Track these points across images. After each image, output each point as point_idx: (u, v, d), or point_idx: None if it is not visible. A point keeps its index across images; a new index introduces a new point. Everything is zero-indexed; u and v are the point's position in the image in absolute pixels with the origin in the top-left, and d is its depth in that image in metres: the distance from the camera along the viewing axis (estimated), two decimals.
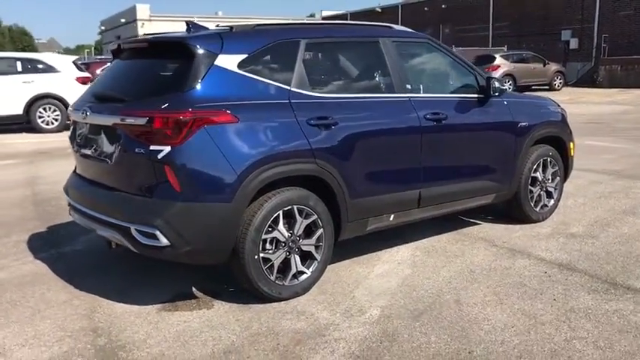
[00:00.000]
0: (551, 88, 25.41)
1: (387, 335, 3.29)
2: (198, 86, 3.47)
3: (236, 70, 3.61)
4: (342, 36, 4.38)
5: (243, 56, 3.65)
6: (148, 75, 3.82)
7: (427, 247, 4.80)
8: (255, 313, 3.60)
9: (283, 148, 3.62)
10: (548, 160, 5.41)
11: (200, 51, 3.54)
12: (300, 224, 3.77)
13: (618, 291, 3.85)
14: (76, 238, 5.15)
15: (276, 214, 3.63)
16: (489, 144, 4.90)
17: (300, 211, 3.75)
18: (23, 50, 37.69)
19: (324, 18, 53.89)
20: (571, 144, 5.64)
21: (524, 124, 5.07)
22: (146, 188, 3.47)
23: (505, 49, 28.93)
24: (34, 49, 46.03)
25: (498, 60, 24.55)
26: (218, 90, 3.52)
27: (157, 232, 3.39)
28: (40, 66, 13.23)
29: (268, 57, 3.83)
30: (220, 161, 3.40)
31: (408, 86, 4.40)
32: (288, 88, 3.77)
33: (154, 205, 3.43)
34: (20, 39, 55.20)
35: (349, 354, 3.10)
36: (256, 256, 3.57)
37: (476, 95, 4.83)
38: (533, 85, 25.18)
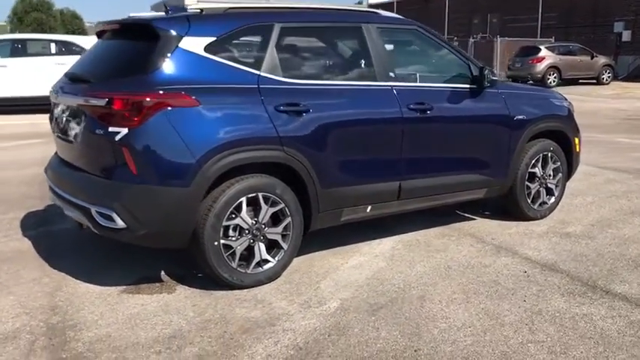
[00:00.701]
0: (599, 82, 24.48)
1: (338, 328, 3.21)
2: (161, 68, 3.44)
3: (202, 53, 3.57)
4: (322, 21, 4.27)
5: (211, 39, 3.60)
6: (116, 56, 3.82)
7: (411, 241, 4.67)
8: (214, 299, 3.57)
9: (247, 134, 3.56)
10: (549, 155, 5.19)
11: (164, 33, 3.51)
12: (266, 212, 3.71)
13: (595, 295, 3.66)
14: (66, 217, 5.22)
15: (238, 201, 3.58)
16: (480, 137, 4.73)
17: (266, 199, 3.70)
18: (73, 33, 38.67)
19: (370, 6, 53.36)
20: (576, 139, 5.39)
21: (521, 117, 4.87)
22: (106, 170, 3.47)
23: (552, 40, 28.01)
24: (84, 32, 47.14)
25: (543, 52, 23.80)
26: (182, 73, 3.49)
27: (114, 214, 3.40)
28: (75, 48, 13.51)
29: (238, 41, 3.77)
30: (178, 145, 3.37)
31: (392, 74, 4.27)
32: (258, 72, 3.71)
33: (112, 186, 3.43)
34: (71, 22, 56.59)
35: (293, 345, 3.04)
36: (216, 243, 3.54)
37: (468, 86, 4.66)
38: (579, 79, 24.33)
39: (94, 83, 3.66)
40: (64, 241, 4.71)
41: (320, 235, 4.36)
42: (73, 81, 3.87)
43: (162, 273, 3.97)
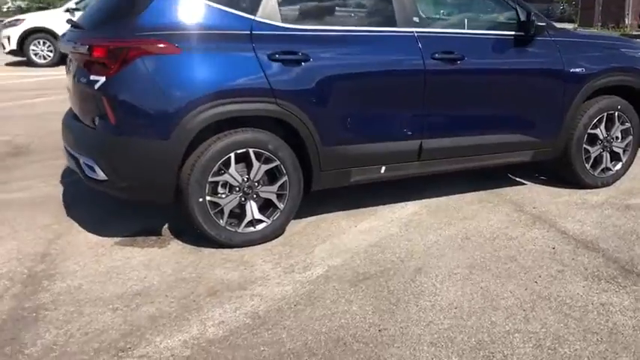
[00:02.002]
0: None
1: (309, 298, 2.97)
2: (144, 13, 3.27)
3: None
4: None
5: None
6: (110, 3, 3.67)
7: (439, 206, 4.26)
8: (199, 257, 3.44)
9: (233, 84, 3.32)
10: (616, 115, 4.49)
11: None
12: (258, 169, 3.49)
13: (627, 281, 3.12)
14: None
15: (226, 157, 3.38)
16: (524, 92, 4.15)
17: (258, 155, 3.47)
18: None
19: None
20: None
21: (578, 69, 4.21)
22: (92, 120, 3.39)
23: None
24: None
25: None
26: (167, 18, 3.29)
27: (95, 166, 3.33)
28: None
29: None
30: (157, 95, 3.21)
31: (416, 19, 3.81)
32: (252, 17, 3.42)
33: (94, 137, 3.36)
34: None
35: (252, 313, 2.84)
36: (201, 199, 3.38)
37: (512, 33, 4.08)
38: None
39: (84, 30, 3.56)
40: (89, 189, 4.77)
41: (339, 195, 4.10)
42: (74, 28, 3.80)
43: (166, 226, 3.89)
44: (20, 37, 13.37)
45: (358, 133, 3.72)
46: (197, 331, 2.68)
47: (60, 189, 4.73)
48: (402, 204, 4.30)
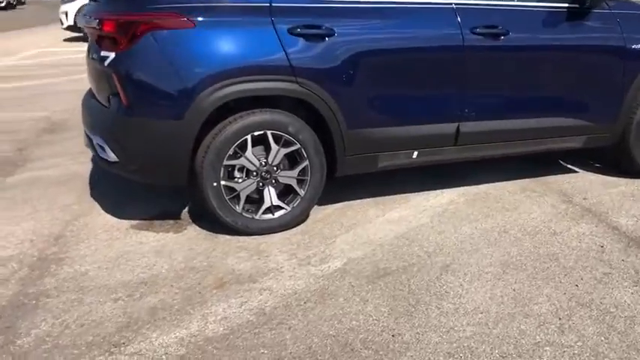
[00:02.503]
0: None
1: (322, 295, 2.74)
2: None
3: None
4: None
5: None
6: None
7: (478, 194, 3.94)
8: (214, 244, 3.26)
9: (249, 61, 3.09)
10: None
11: None
12: (277, 153, 3.26)
13: None
14: None
15: (242, 139, 3.17)
16: (577, 71, 3.75)
17: (277, 138, 3.24)
18: None
19: None
20: None
21: None
22: (106, 98, 3.24)
23: None
24: None
25: None
26: None
27: (105, 146, 3.18)
28: None
29: None
30: (169, 73, 3.01)
31: None
32: None
33: (106, 117, 3.21)
34: None
35: (258, 309, 2.64)
36: (215, 183, 3.19)
37: (565, 5, 3.67)
38: None
39: (99, 3, 3.40)
40: None
41: (370, 180, 3.84)
42: (92, 1, 3.64)
43: (185, 210, 3.73)
44: (77, 12, 13.54)
45: (387, 114, 3.43)
46: (196, 328, 2.50)
47: (88, 168, 4.64)
48: (438, 191, 3.99)
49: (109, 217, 3.67)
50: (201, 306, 2.67)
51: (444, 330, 2.45)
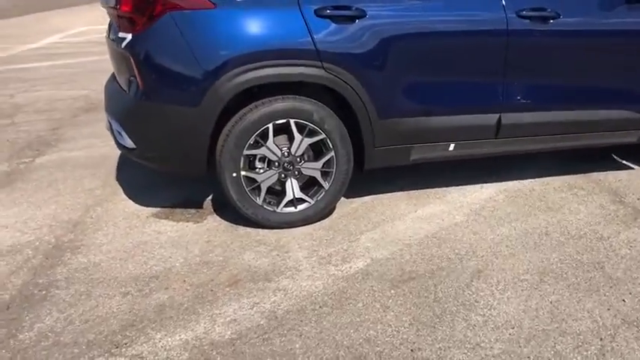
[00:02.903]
0: None
1: (339, 298, 2.55)
2: None
3: None
4: None
5: None
6: None
7: (521, 191, 3.66)
8: (233, 237, 3.11)
9: (272, 45, 2.89)
10: None
11: None
12: (300, 143, 3.07)
13: None
14: None
15: (264, 128, 2.99)
16: (636, 59, 3.39)
17: (301, 127, 3.04)
18: None
19: None
20: None
21: None
22: (126, 82, 3.10)
23: None
24: None
25: None
26: None
27: (122, 132, 3.06)
28: None
29: None
30: (186, 56, 2.85)
31: None
32: None
33: (124, 101, 3.08)
34: None
35: (270, 312, 2.47)
36: (235, 174, 3.02)
37: None
38: None
39: None
40: None
41: (404, 172, 3.61)
42: None
43: (209, 198, 3.59)
44: None
45: (422, 103, 3.19)
46: (203, 330, 2.36)
47: (117, 151, 4.54)
48: (477, 186, 3.73)
49: (131, 203, 3.57)
50: (211, 305, 2.52)
51: (469, 346, 2.23)
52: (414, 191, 3.66)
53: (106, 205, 3.56)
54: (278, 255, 2.93)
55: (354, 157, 3.19)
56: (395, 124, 3.15)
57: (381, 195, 3.61)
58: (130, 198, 3.64)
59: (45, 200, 3.64)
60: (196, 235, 3.14)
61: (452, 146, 3.33)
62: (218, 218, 3.34)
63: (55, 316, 2.47)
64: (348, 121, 3.11)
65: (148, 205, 3.52)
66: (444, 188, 3.70)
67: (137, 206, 3.52)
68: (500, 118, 3.29)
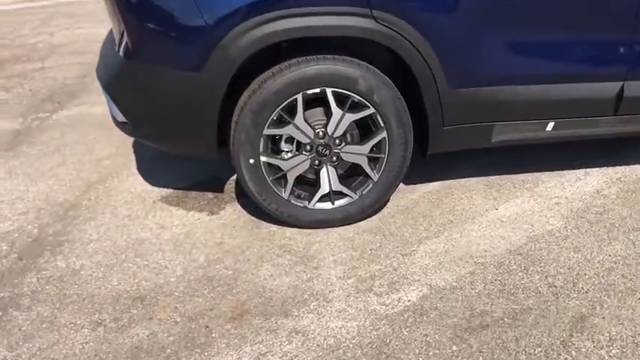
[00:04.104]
0: None
1: (376, 355, 1.80)
2: None
3: None
4: None
5: None
6: None
7: None
8: (251, 240, 2.42)
9: None
10: None
11: None
12: (340, 120, 2.27)
13: None
14: None
15: (290, 99, 2.20)
16: None
17: (341, 99, 2.24)
18: None
19: None
20: None
21: None
22: (117, 37, 2.37)
23: None
24: None
25: None
26: None
27: (111, 103, 2.36)
28: None
29: None
30: (184, 5, 2.07)
31: None
32: None
33: (112, 62, 2.35)
34: None
35: None
36: (252, 160, 2.28)
37: None
38: None
39: None
40: None
41: (483, 152, 2.74)
42: None
43: (232, 180, 2.88)
44: None
45: (513, 67, 2.30)
46: None
47: None
48: (580, 173, 2.83)
49: (140, 180, 2.93)
50: (201, 354, 1.84)
51: None
52: (494, 177, 2.81)
53: (111, 182, 2.93)
54: (304, 271, 2.20)
55: (415, 138, 2.36)
56: (473, 95, 2.29)
57: (449, 182, 2.78)
58: (140, 174, 3.00)
59: (44, 172, 3.06)
60: (207, 234, 2.46)
61: (551, 125, 2.43)
62: (239, 208, 2.64)
63: (1, 355, 1.87)
64: (407, 92, 2.28)
65: (159, 185, 2.87)
66: (535, 174, 2.82)
67: (146, 185, 2.88)
68: (622, 89, 2.35)
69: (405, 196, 2.67)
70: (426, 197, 2.67)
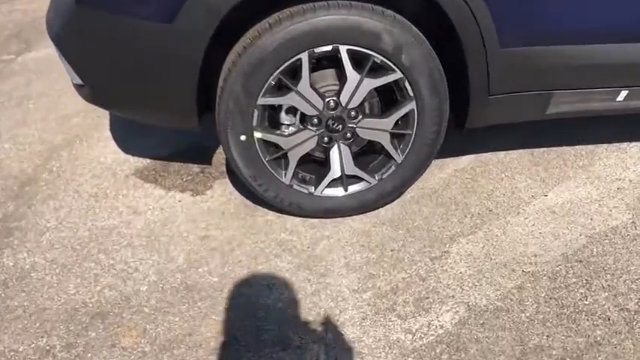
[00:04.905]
0: None
1: None
2: None
3: None
4: None
5: None
6: None
7: None
8: (246, 231, 1.96)
9: None
10: None
11: None
12: (357, 87, 1.75)
13: None
14: None
15: (292, 59, 1.68)
16: None
17: (359, 59, 1.72)
18: None
19: None
20: None
21: None
22: None
23: None
24: None
25: None
26: None
27: (64, 60, 1.84)
28: None
29: None
30: None
31: None
32: None
33: (63, 9, 1.81)
34: None
35: None
36: (244, 137, 1.78)
37: None
38: None
39: None
40: None
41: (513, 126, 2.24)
42: None
43: (219, 151, 2.37)
44: None
45: (586, 21, 1.75)
46: None
47: None
48: None
49: (111, 147, 2.45)
50: None
51: None
52: (540, 151, 2.30)
53: (78, 147, 2.45)
54: (308, 280, 1.76)
55: (450, 108, 1.85)
56: (531, 55, 1.76)
57: (485, 155, 2.29)
58: (113, 137, 2.52)
59: (0, 133, 2.56)
60: (188, 223, 2.00)
61: (623, 94, 1.90)
62: (229, 188, 2.17)
63: None
64: (443, 51, 1.75)
65: (134, 152, 2.39)
66: (590, 148, 2.32)
67: (119, 154, 2.40)
68: None
69: (432, 174, 2.18)
70: (458, 177, 2.18)
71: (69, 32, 1.77)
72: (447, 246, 1.86)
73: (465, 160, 2.26)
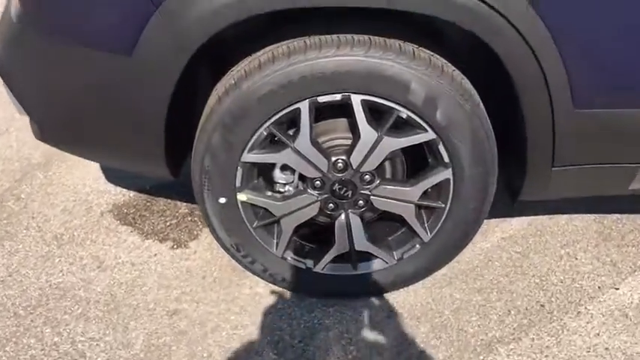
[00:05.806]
0: None
1: None
2: None
3: None
4: None
5: None
6: None
7: None
8: (221, 310, 1.58)
9: None
10: None
11: None
12: (373, 147, 1.33)
13: None
14: None
15: (288, 108, 1.26)
16: None
17: (379, 112, 1.27)
18: None
19: None
20: None
21: None
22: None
23: None
24: None
25: None
26: None
27: (7, 87, 1.46)
28: None
29: None
30: None
31: None
32: None
33: (4, 26, 1.42)
34: None
35: None
36: (224, 199, 1.37)
37: None
38: None
39: None
40: None
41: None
42: None
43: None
44: None
45: None
46: None
47: None
48: None
49: (92, 173, 2.11)
50: None
51: None
52: (612, 218, 1.82)
53: (55, 170, 2.11)
54: None
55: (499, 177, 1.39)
56: (611, 118, 1.28)
57: (543, 219, 1.82)
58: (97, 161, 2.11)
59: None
60: (160, 290, 1.63)
61: None
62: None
63: None
64: (493, 109, 1.29)
65: (117, 182, 2.03)
66: None
67: (100, 181, 2.06)
68: None
69: (473, 242, 1.69)
70: (505, 249, 1.72)
71: (9, 52, 1.38)
72: (481, 358, 1.41)
73: (516, 225, 1.80)
